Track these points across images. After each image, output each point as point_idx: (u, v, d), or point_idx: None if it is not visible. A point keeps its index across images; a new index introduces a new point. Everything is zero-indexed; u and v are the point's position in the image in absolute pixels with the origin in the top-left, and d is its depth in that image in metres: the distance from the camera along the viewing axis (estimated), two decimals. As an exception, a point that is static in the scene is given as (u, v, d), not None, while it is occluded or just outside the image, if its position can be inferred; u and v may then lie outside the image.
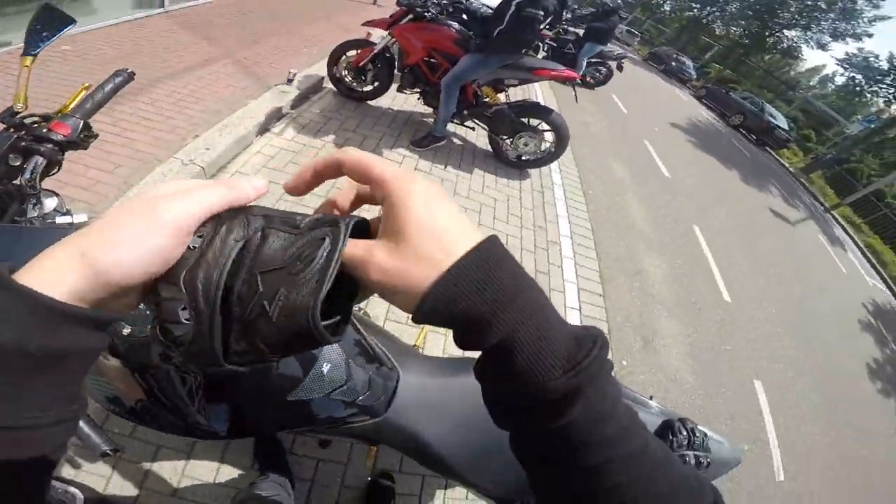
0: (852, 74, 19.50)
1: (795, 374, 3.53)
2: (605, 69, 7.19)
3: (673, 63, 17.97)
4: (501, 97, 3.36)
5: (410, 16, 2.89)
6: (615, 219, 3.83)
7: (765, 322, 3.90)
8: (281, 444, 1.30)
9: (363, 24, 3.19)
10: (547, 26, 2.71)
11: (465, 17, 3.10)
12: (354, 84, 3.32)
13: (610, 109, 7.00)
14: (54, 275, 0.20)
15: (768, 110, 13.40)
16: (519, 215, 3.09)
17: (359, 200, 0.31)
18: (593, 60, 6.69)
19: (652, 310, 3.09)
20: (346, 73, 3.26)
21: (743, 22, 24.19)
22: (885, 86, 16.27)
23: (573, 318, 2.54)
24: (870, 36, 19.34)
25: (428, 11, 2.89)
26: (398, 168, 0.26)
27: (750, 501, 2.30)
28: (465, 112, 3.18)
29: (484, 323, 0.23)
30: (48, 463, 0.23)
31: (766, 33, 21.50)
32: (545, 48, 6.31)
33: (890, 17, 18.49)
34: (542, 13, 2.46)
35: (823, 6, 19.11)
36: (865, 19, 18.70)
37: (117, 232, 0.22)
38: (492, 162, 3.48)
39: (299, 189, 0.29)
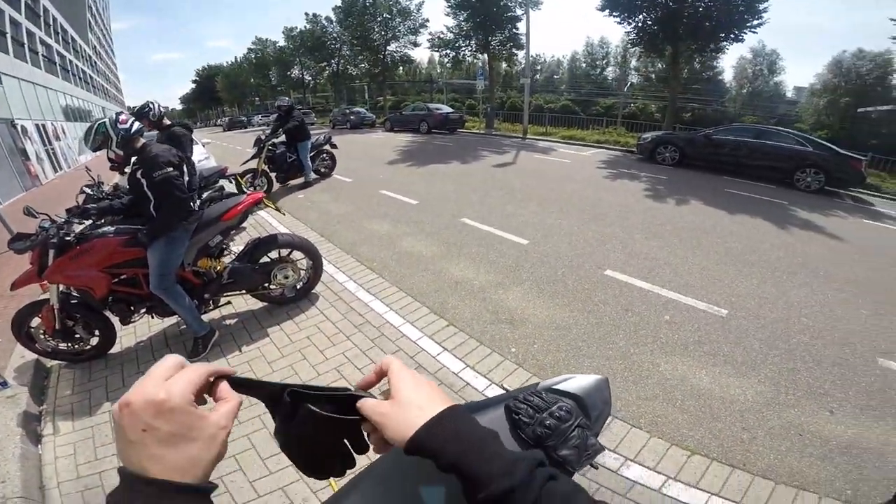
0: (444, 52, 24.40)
1: (623, 242, 4.57)
2: (326, 156, 7.87)
3: (352, 117, 21.06)
4: (228, 259, 3.22)
5: (51, 251, 2.34)
6: (409, 264, 4.17)
7: (564, 232, 4.94)
8: None
9: (12, 290, 2.51)
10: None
11: (118, 204, 2.81)
12: (76, 346, 2.68)
13: (337, 185, 7.64)
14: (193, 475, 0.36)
15: (434, 108, 17.41)
16: (338, 331, 3.02)
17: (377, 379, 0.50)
18: (313, 154, 7.28)
19: (490, 298, 3.47)
20: (54, 341, 2.59)
21: (362, 57, 28.84)
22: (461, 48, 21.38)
23: (451, 359, 2.70)
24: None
25: (68, 234, 2.41)
26: (399, 364, 0.50)
27: (728, 342, 2.85)
28: (206, 296, 2.90)
29: (442, 457, 0.41)
30: None
31: (381, 55, 26.57)
32: (270, 168, 6.46)
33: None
34: (169, 169, 2.36)
35: (396, 18, 24.87)
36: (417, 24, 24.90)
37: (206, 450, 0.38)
38: (278, 311, 3.30)
39: (365, 385, 0.50)
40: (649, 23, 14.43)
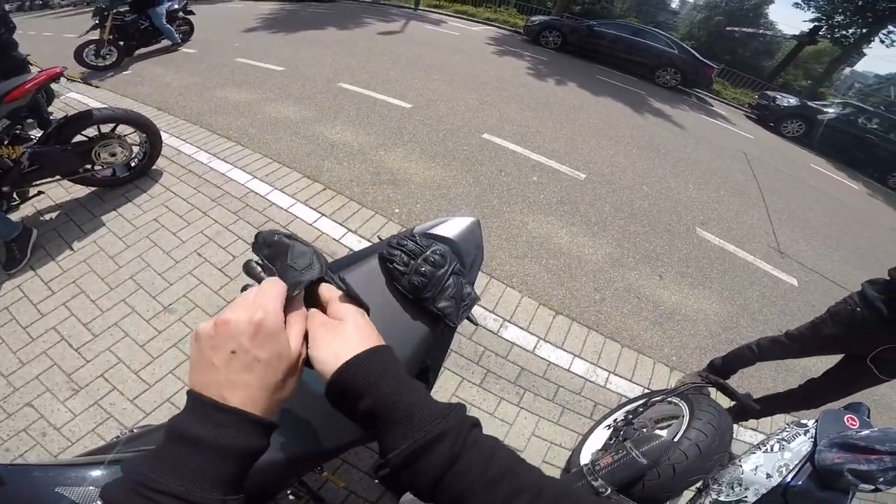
0: None
1: (501, 111, 4.54)
2: (183, 23, 6.48)
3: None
4: (32, 137, 2.41)
5: None
6: (274, 130, 3.62)
7: (446, 98, 4.72)
8: None
9: None
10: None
11: None
12: None
13: (178, 57, 6.00)
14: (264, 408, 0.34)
15: None
16: (192, 207, 2.62)
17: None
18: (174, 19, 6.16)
19: (370, 160, 3.28)
20: None
21: None
22: None
23: (331, 224, 2.56)
24: None
25: None
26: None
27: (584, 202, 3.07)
28: (5, 190, 2.22)
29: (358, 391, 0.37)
30: None
31: None
32: (117, 38, 5.28)
33: None
34: None
35: None
36: None
37: (285, 382, 0.36)
38: (112, 195, 2.67)
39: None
40: None
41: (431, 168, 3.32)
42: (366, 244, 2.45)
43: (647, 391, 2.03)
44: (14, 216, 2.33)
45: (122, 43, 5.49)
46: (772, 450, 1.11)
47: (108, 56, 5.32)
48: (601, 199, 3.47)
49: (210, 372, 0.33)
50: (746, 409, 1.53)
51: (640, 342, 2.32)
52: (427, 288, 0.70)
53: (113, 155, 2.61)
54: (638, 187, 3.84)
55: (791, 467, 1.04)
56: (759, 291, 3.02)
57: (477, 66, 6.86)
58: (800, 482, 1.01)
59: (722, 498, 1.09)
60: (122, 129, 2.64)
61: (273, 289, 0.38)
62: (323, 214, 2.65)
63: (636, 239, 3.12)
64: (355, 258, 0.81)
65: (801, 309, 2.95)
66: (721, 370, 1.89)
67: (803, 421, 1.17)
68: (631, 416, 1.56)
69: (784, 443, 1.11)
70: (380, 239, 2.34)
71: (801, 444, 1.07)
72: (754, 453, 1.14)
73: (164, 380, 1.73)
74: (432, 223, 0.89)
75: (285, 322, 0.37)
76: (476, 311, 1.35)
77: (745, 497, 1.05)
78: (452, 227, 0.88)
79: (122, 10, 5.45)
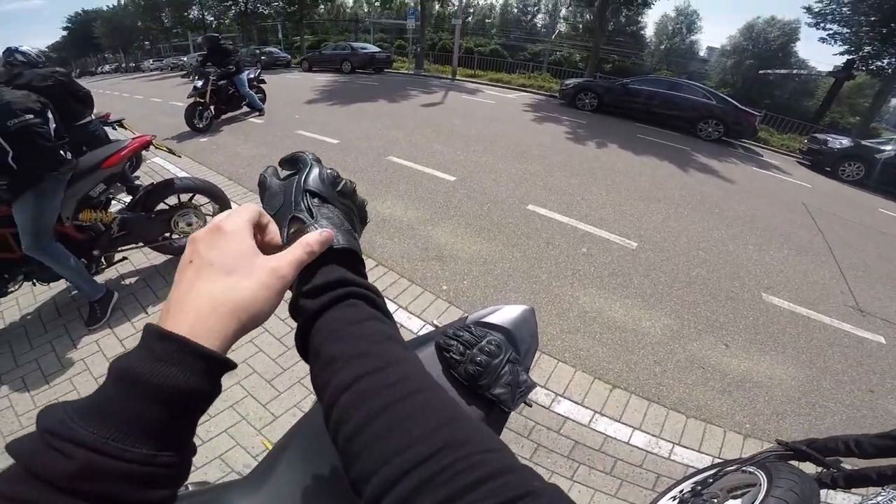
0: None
1: (544, 180, 4.64)
2: (258, 90, 7.47)
3: (263, 57, 18.67)
4: (118, 206, 2.71)
5: None
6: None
7: (489, 169, 4.89)
8: None
9: None
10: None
11: None
12: None
13: (247, 127, 6.74)
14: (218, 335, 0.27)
15: (358, 46, 15.96)
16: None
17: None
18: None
19: (418, 235, 3.37)
20: None
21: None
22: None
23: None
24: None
25: None
26: None
27: (638, 273, 3.01)
28: (95, 252, 2.44)
29: None
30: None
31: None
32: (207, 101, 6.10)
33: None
34: (29, 116, 1.98)
35: None
36: None
37: (249, 295, 0.29)
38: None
39: None
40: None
41: (477, 243, 3.36)
42: (416, 320, 2.48)
43: (717, 461, 1.82)
44: (99, 278, 2.53)
45: (212, 108, 6.33)
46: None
47: (206, 118, 6.13)
48: (655, 268, 3.31)
49: (170, 293, 0.29)
50: (835, 478, 1.31)
51: (707, 412, 2.14)
52: (482, 376, 0.72)
53: (189, 224, 2.79)
54: (694, 253, 3.65)
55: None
56: (840, 352, 2.71)
57: (516, 133, 7.12)
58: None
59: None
60: (198, 198, 2.86)
61: (247, 206, 0.35)
62: (375, 291, 2.71)
63: (696, 309, 2.93)
64: (413, 344, 0.83)
65: (892, 367, 2.64)
66: (821, 451, 1.65)
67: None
68: (700, 487, 1.39)
69: None
70: (435, 326, 2.30)
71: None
72: None
73: (218, 438, 1.74)
74: (487, 311, 0.91)
75: (282, 245, 0.35)
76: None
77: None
78: (507, 315, 0.90)
79: (213, 76, 6.27)
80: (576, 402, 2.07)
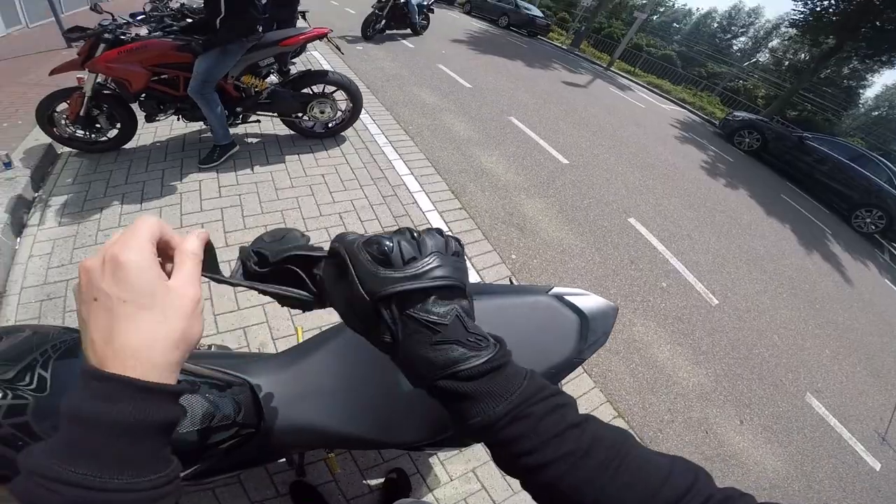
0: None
1: (658, 199, 4.39)
2: (425, 18, 8.00)
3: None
4: (273, 78, 3.09)
5: (102, 45, 2.32)
6: (442, 139, 4.03)
7: (607, 167, 4.69)
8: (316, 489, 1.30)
9: (50, 75, 2.46)
10: None
11: (176, 25, 2.62)
12: (93, 136, 2.67)
13: (398, 48, 7.06)
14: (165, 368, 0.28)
15: (522, 5, 15.08)
16: (354, 177, 3.03)
17: None
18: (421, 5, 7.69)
19: (510, 199, 3.42)
20: (73, 128, 2.57)
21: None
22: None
23: None
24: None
25: (124, 33, 2.40)
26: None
27: (703, 329, 2.91)
28: (239, 109, 2.87)
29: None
30: None
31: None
32: (385, 14, 6.76)
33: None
34: None
35: None
36: None
37: (178, 326, 0.29)
38: (301, 142, 3.28)
39: None
40: (831, 9, 11.88)
41: (563, 230, 3.30)
42: (472, 273, 2.56)
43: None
44: (231, 130, 2.93)
45: (383, 21, 6.85)
46: None
47: (376, 29, 6.65)
48: (722, 331, 3.04)
49: (83, 330, 0.28)
50: None
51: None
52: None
53: (322, 112, 3.13)
54: (768, 335, 3.25)
55: None
56: (832, 465, 2.44)
57: (651, 144, 6.54)
58: None
59: None
60: (338, 93, 3.14)
61: (141, 225, 0.31)
62: (450, 231, 2.85)
63: (737, 381, 2.71)
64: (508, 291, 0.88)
65: (865, 492, 2.36)
66: None
67: None
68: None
69: None
70: (512, 283, 2.27)
71: None
72: None
73: (251, 309, 1.96)
74: (573, 290, 0.89)
75: (173, 262, 0.32)
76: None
77: None
78: (590, 303, 0.87)
79: None
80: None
